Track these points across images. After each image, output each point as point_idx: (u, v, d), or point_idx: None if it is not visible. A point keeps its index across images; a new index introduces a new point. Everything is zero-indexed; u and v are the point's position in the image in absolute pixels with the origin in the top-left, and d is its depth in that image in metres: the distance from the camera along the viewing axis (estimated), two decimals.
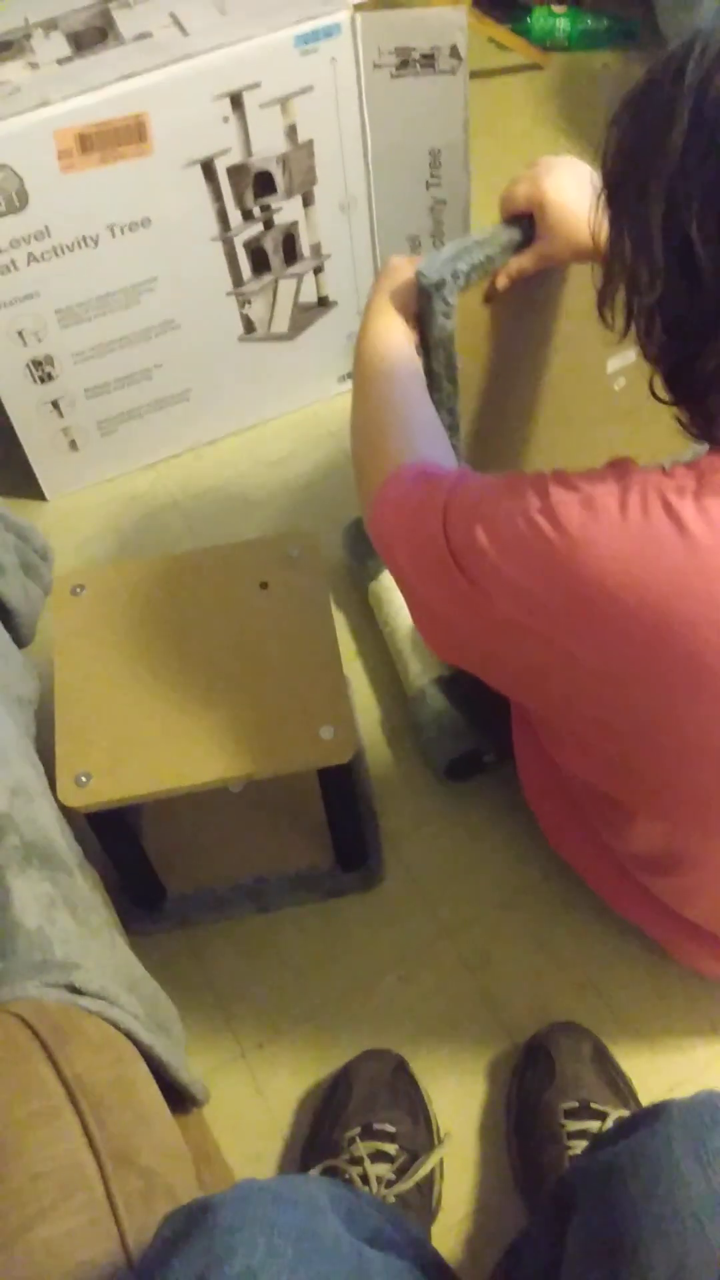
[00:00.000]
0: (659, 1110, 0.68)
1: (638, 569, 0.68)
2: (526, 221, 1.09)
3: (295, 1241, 0.59)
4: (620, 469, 0.73)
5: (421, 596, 0.86)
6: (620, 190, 0.72)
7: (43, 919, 0.82)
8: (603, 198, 0.73)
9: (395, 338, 1.04)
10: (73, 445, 1.59)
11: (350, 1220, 0.65)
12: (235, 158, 1.38)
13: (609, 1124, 1.02)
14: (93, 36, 1.32)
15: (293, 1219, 0.61)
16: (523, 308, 1.18)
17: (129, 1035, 0.82)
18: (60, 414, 1.54)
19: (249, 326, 1.57)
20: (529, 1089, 1.08)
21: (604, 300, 0.74)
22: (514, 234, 1.10)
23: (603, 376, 1.31)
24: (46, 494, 1.64)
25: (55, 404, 1.52)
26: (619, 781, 0.91)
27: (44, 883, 0.85)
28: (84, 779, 1.04)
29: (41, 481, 1.62)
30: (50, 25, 1.34)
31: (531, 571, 0.73)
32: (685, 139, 0.65)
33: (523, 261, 1.10)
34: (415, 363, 1.05)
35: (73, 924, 0.85)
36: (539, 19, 2.17)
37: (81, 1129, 0.72)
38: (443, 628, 0.87)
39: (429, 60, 1.39)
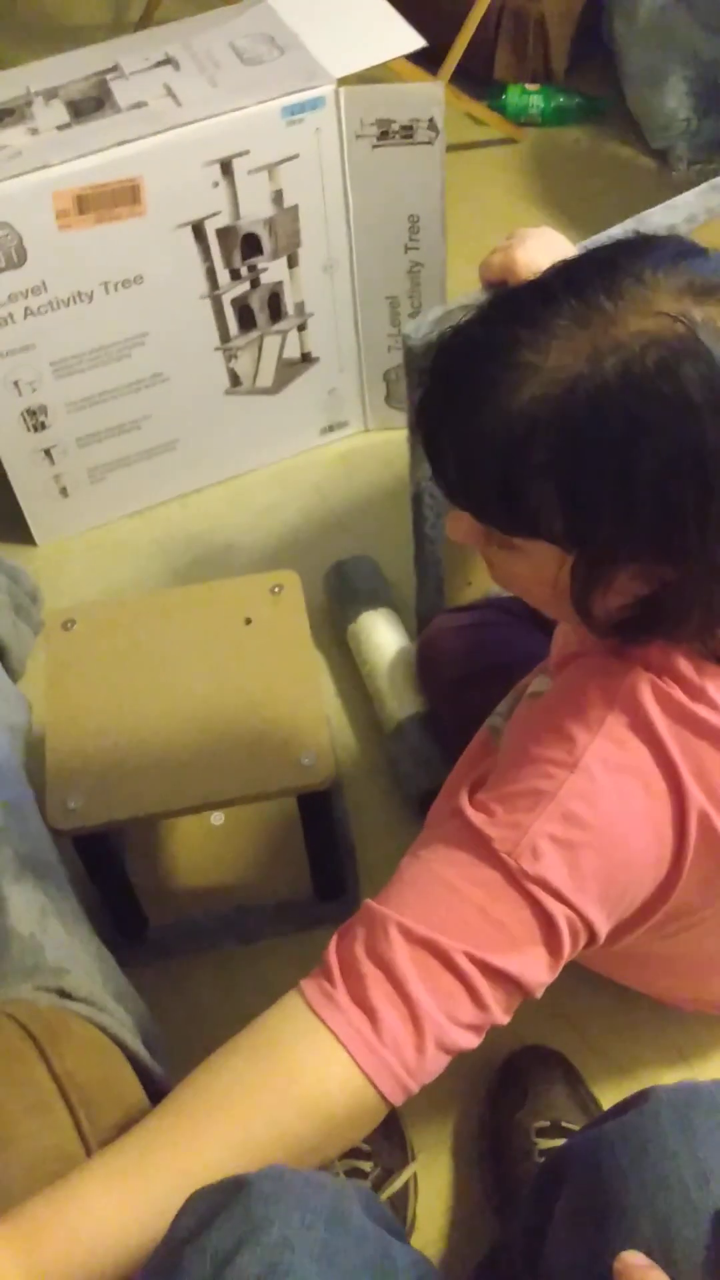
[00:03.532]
0: (646, 1093, 0.71)
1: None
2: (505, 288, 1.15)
3: (326, 1219, 0.62)
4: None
5: None
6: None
7: (35, 926, 0.86)
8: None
9: None
10: (63, 492, 1.64)
11: (368, 1210, 0.67)
12: (224, 220, 1.45)
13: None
14: (90, 105, 1.40)
15: (323, 1199, 0.63)
16: None
17: (116, 1040, 0.85)
18: (52, 461, 1.60)
19: (235, 380, 1.63)
20: (502, 1108, 1.11)
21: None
22: None
23: None
24: (37, 539, 1.69)
25: (48, 452, 1.58)
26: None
27: (37, 893, 0.88)
28: (73, 803, 1.08)
29: (32, 526, 1.67)
30: (51, 94, 1.42)
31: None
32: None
33: None
34: None
35: (63, 933, 0.88)
36: (513, 96, 2.28)
37: (72, 1123, 0.75)
38: None
39: (408, 132, 1.47)
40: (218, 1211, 0.61)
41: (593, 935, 0.75)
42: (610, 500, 0.65)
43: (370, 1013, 0.71)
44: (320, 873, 1.29)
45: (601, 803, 0.73)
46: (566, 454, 0.65)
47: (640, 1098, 0.71)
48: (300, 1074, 0.70)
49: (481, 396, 0.67)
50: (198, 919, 1.31)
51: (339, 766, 1.41)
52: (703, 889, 0.79)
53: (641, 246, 0.68)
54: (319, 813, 1.20)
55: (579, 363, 0.64)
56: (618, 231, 1.17)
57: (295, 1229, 0.60)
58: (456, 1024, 0.72)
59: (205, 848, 1.36)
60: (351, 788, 1.42)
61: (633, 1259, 0.58)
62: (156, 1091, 0.92)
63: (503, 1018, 0.75)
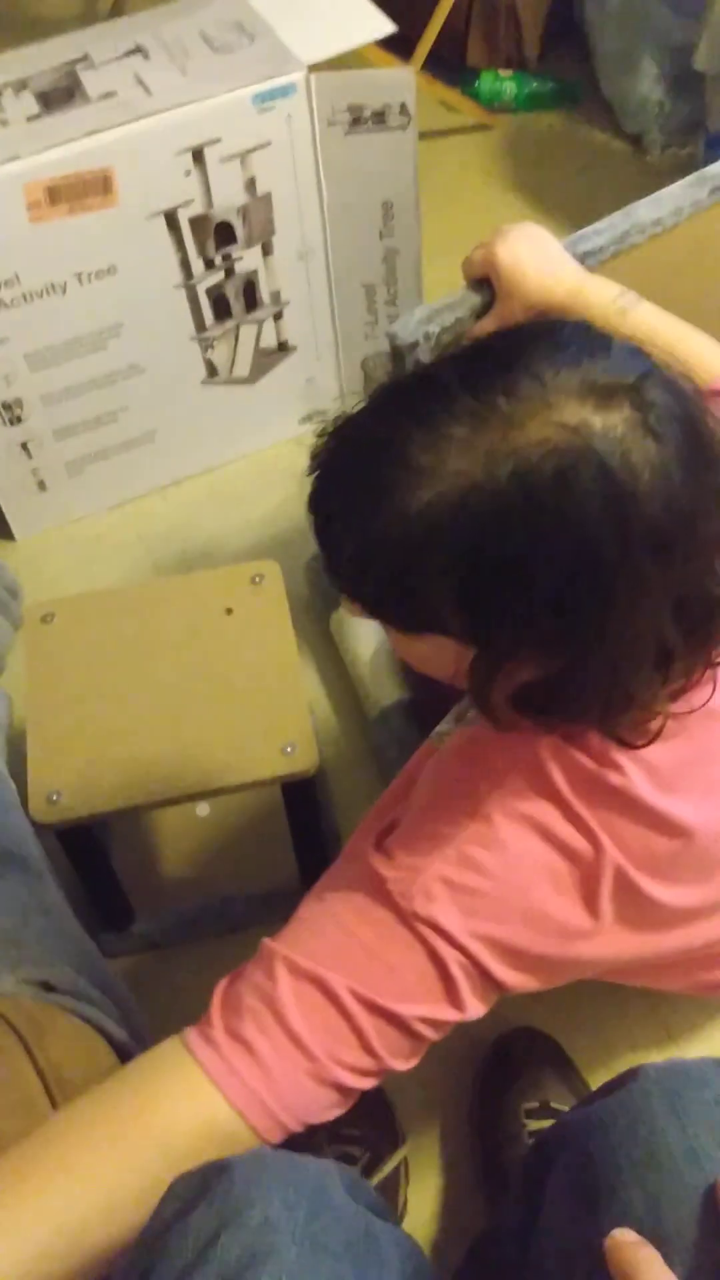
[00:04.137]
0: (635, 1072, 0.71)
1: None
2: (487, 286, 1.14)
3: (309, 1199, 0.62)
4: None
5: None
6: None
7: (18, 920, 0.85)
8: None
9: None
10: (41, 486, 1.64)
11: (352, 1191, 0.67)
12: (197, 209, 1.45)
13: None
14: (61, 96, 1.39)
15: (305, 1178, 0.63)
16: None
17: (102, 1032, 0.85)
18: (29, 455, 1.59)
19: (212, 370, 1.63)
20: (491, 1090, 1.11)
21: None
22: (478, 298, 1.16)
23: None
24: (15, 534, 1.68)
25: (24, 446, 1.57)
26: None
27: (19, 886, 0.88)
28: (55, 796, 1.08)
29: (10, 521, 1.67)
30: (20, 85, 1.41)
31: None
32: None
33: (485, 324, 1.13)
34: None
35: (46, 926, 0.88)
36: (486, 82, 2.27)
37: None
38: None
39: (380, 118, 1.46)
40: (200, 1194, 0.61)
41: (494, 982, 0.75)
42: (509, 605, 0.64)
43: (245, 1045, 0.71)
44: (305, 861, 1.29)
45: (499, 851, 0.74)
46: (463, 560, 0.64)
47: (629, 1076, 0.71)
48: (164, 1109, 0.70)
49: (375, 498, 0.65)
50: (183, 909, 1.30)
51: (323, 755, 1.41)
52: (639, 942, 0.80)
53: (543, 340, 0.65)
54: (303, 801, 1.20)
55: (475, 469, 0.62)
56: (604, 225, 1.17)
57: (277, 1210, 0.60)
58: (338, 1063, 0.72)
59: (190, 839, 1.36)
60: (336, 776, 1.42)
61: (624, 1237, 0.59)
62: None
63: (397, 1065, 0.74)
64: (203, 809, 1.39)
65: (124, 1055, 0.85)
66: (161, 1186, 0.64)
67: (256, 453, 1.77)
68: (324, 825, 1.32)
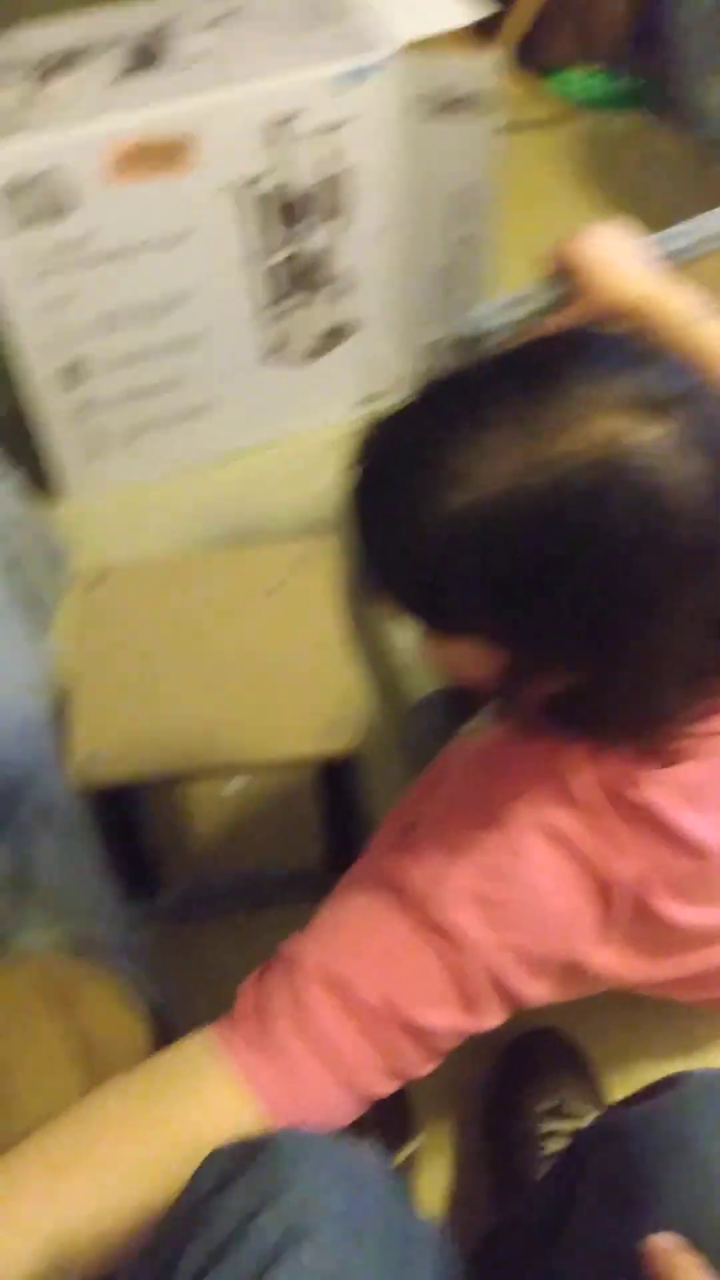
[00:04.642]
0: (679, 1077, 0.71)
1: None
2: (565, 281, 1.14)
3: (347, 1182, 0.61)
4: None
5: None
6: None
7: (55, 878, 0.85)
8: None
9: None
10: (98, 449, 1.63)
11: (388, 1180, 0.67)
12: (273, 182, 1.44)
13: (586, 1124, 1.05)
14: (148, 58, 1.38)
15: (345, 1162, 0.63)
16: None
17: (134, 993, 0.85)
18: (88, 418, 1.59)
19: (274, 346, 1.62)
20: (507, 1088, 1.11)
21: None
22: (557, 291, 1.15)
23: None
24: (69, 494, 1.68)
25: (85, 408, 1.57)
26: None
27: (58, 846, 0.88)
28: (97, 756, 1.07)
29: (65, 482, 1.67)
30: (108, 45, 1.40)
31: None
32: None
33: (564, 318, 1.12)
34: None
35: (81, 886, 0.88)
36: (569, 78, 2.26)
37: (87, 1076, 0.75)
38: None
39: (463, 104, 1.45)
40: (240, 1169, 0.60)
41: (514, 992, 0.75)
42: (540, 614, 0.64)
43: (276, 1050, 0.71)
44: (334, 845, 1.28)
45: (521, 860, 0.74)
46: (496, 567, 0.63)
47: (673, 1081, 0.70)
48: (194, 1110, 0.70)
49: (411, 499, 0.64)
50: (209, 883, 1.30)
51: (359, 740, 1.41)
52: (650, 963, 0.80)
53: (584, 350, 0.64)
54: (339, 783, 1.20)
55: (511, 477, 0.61)
56: (691, 226, 1.16)
57: (317, 1190, 0.59)
58: (366, 1068, 0.72)
59: (220, 815, 1.36)
60: (370, 763, 1.41)
61: (664, 1242, 0.58)
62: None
63: (416, 1071, 0.75)
64: (235, 784, 1.39)
65: (153, 1023, 0.84)
66: (175, 1177, 0.64)
67: (314, 431, 1.75)
68: (356, 809, 1.32)
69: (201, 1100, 0.70)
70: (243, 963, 1.25)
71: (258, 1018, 0.72)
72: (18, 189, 1.32)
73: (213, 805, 1.36)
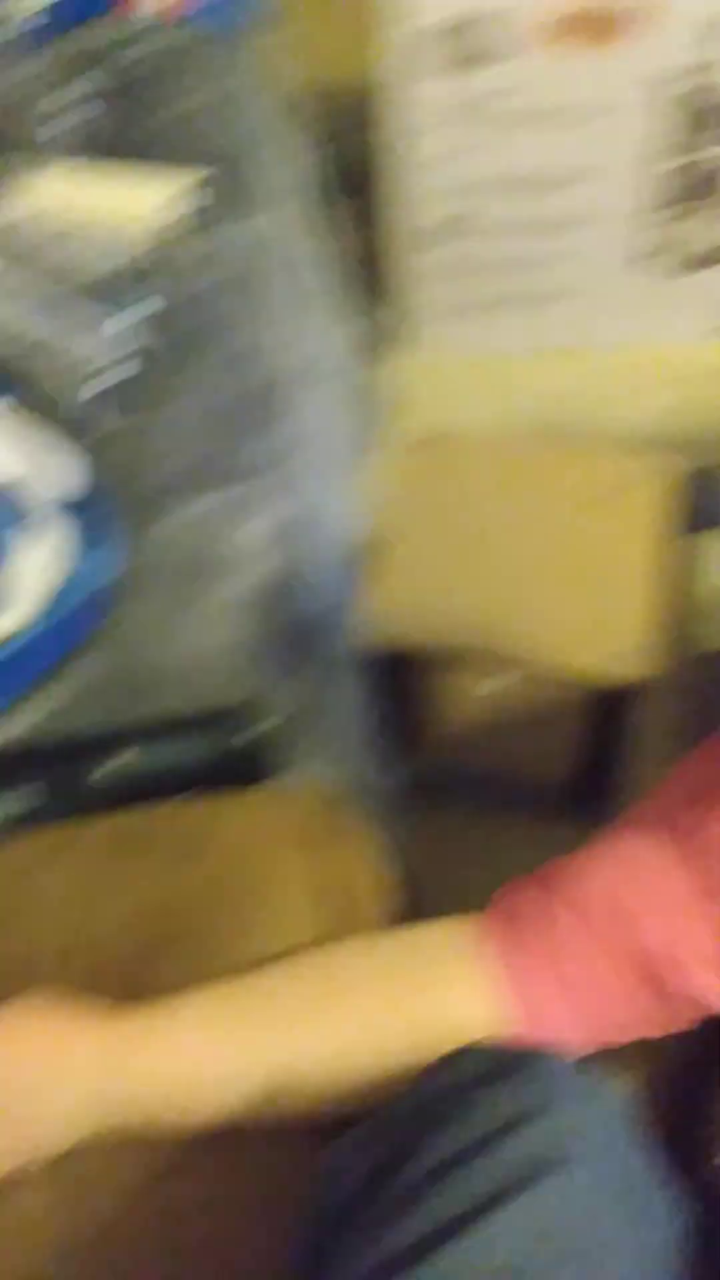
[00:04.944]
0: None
1: None
2: None
3: (609, 1124, 0.59)
4: None
5: None
6: None
7: (344, 723, 0.85)
8: None
9: None
10: (450, 313, 1.60)
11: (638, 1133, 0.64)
12: (694, 84, 1.34)
13: None
14: None
15: (610, 1103, 0.60)
16: None
17: (388, 857, 0.83)
18: (451, 279, 1.55)
19: (646, 251, 1.54)
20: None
21: None
22: None
23: None
24: (410, 353, 1.65)
25: (450, 268, 1.53)
26: None
27: (349, 695, 0.88)
28: (396, 617, 1.07)
29: (418, 338, 1.63)
30: None
31: None
32: None
33: None
34: None
35: (361, 736, 0.88)
36: None
37: (324, 924, 0.74)
38: None
39: None
40: (503, 1075, 0.58)
41: None
42: None
43: (548, 960, 0.68)
44: (589, 772, 1.24)
45: None
46: None
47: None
48: (446, 988, 0.68)
49: None
50: (449, 774, 1.29)
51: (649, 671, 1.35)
52: None
53: None
54: (614, 710, 1.16)
55: None
56: None
57: (579, 1120, 0.56)
58: (617, 1007, 0.68)
59: (473, 714, 1.33)
60: (648, 698, 1.35)
61: None
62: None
63: (645, 1029, 0.70)
64: (490, 685, 1.36)
65: (400, 892, 0.83)
66: (397, 1059, 0.64)
67: (665, 347, 1.65)
68: (621, 742, 1.27)
69: (457, 987, 0.68)
70: (475, 859, 1.24)
71: (533, 928, 0.69)
72: (460, 28, 1.28)
73: (468, 702, 1.33)
